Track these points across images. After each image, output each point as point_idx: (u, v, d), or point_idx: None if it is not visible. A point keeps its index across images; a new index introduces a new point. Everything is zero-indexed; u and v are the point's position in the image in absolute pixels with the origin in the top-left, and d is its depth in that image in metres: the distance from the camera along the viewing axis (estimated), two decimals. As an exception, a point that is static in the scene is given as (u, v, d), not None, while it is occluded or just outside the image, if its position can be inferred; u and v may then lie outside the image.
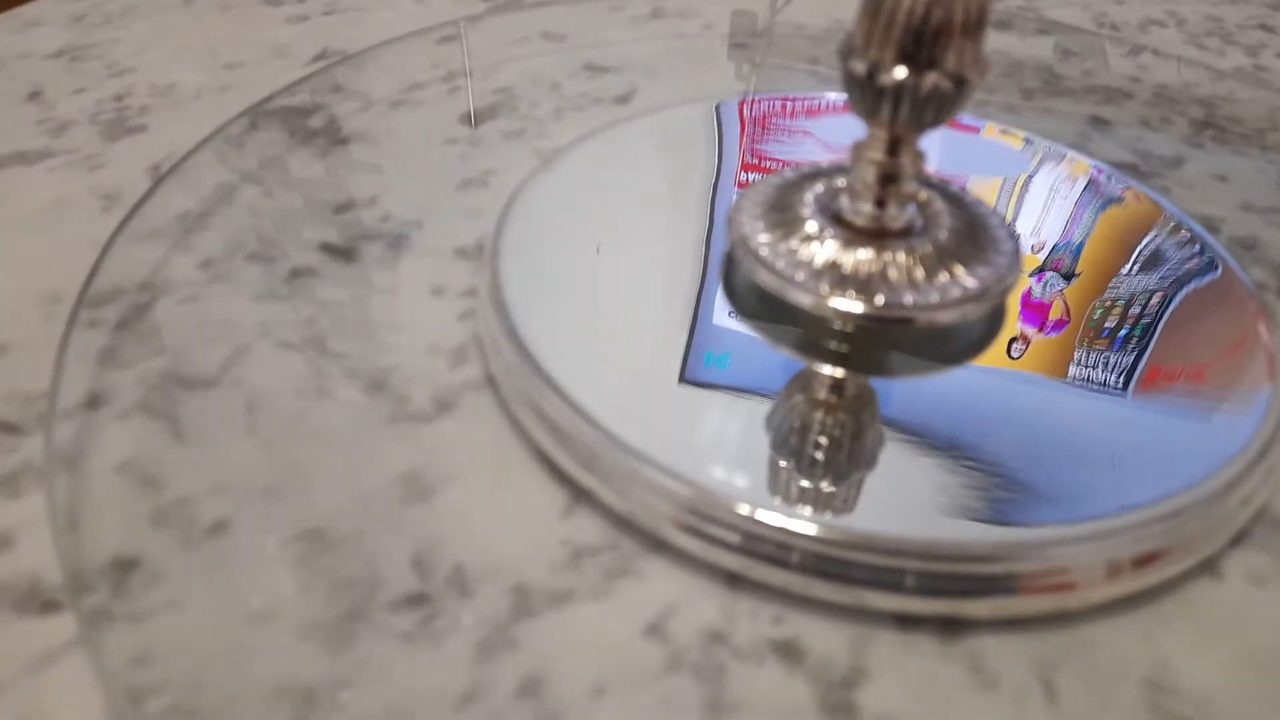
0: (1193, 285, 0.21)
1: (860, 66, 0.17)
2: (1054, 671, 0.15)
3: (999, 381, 0.19)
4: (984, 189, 0.23)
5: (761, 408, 0.18)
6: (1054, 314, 0.20)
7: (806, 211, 0.19)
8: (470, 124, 0.27)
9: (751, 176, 0.24)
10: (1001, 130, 0.26)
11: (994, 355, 0.19)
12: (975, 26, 0.16)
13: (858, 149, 0.19)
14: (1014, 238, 0.20)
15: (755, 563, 0.16)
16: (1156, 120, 0.30)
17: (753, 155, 0.25)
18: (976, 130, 0.26)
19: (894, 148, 0.18)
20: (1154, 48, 0.34)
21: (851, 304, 0.18)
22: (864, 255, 0.18)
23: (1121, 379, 0.19)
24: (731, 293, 0.20)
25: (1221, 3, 0.39)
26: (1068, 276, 0.21)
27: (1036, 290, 0.21)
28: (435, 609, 0.15)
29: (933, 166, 0.19)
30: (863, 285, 0.18)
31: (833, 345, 0.19)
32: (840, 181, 0.20)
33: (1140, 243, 0.22)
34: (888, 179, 0.18)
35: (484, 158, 0.26)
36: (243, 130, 0.26)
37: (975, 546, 0.15)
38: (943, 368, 0.19)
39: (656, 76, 0.30)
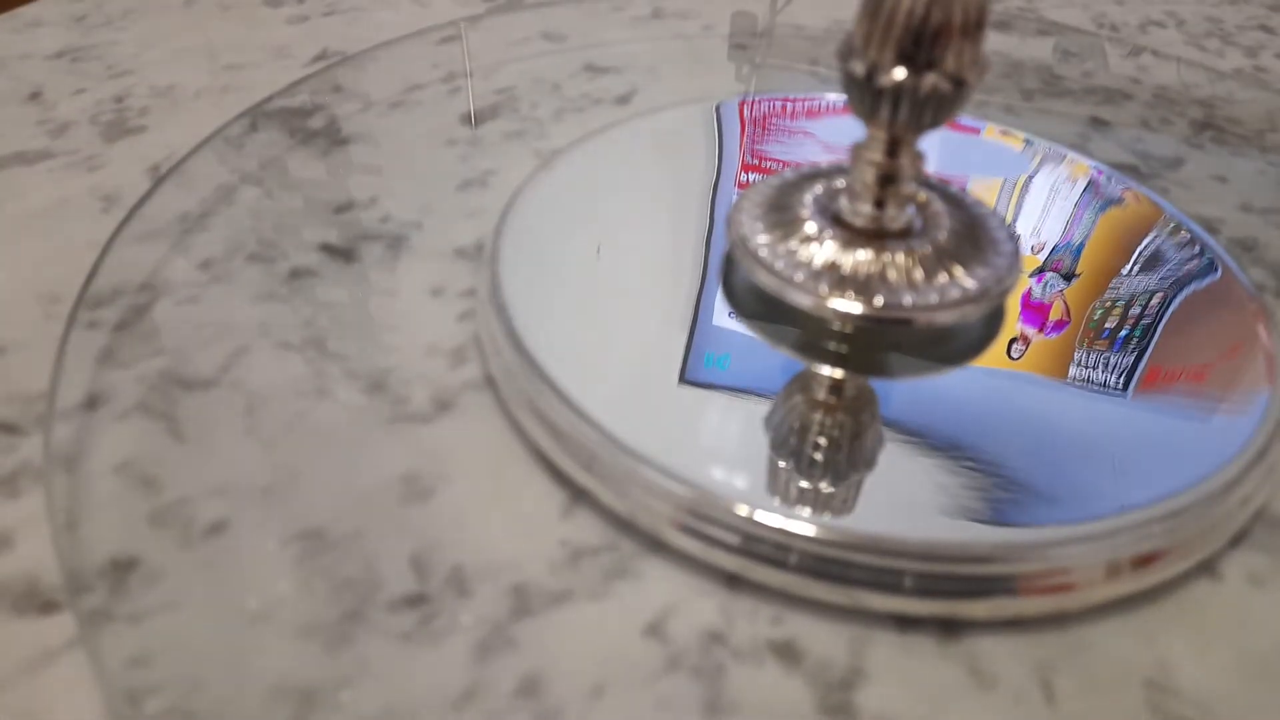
0: (1192, 286, 0.21)
1: (859, 67, 0.17)
2: (1053, 672, 0.15)
3: (999, 382, 0.19)
4: (984, 190, 0.23)
5: (761, 408, 0.18)
6: (1054, 315, 0.20)
7: (806, 212, 0.19)
8: (470, 124, 0.27)
9: (751, 177, 0.24)
10: (1001, 131, 0.26)
11: (994, 356, 0.19)
12: (974, 27, 0.16)
13: (857, 150, 0.19)
14: (1014, 239, 0.20)
15: (754, 563, 0.16)
16: (1156, 121, 0.30)
17: (753, 156, 0.25)
18: (976, 131, 0.26)
19: (893, 149, 0.18)
20: (1154, 49, 0.34)
21: (851, 305, 0.18)
22: (863, 256, 0.18)
23: (1121, 380, 0.19)
24: (731, 293, 0.20)
25: (1221, 3, 0.39)
26: (1068, 277, 0.21)
27: (1036, 291, 0.21)
28: (434, 609, 0.15)
29: (933, 167, 0.19)
30: (862, 286, 0.18)
31: (832, 346, 0.19)
32: (840, 182, 0.20)
33: (1140, 244, 0.22)
34: (887, 180, 0.18)
35: (484, 158, 0.26)
36: (242, 131, 0.26)
37: (974, 547, 0.15)
38: (942, 368, 0.19)
39: (656, 77, 0.30)
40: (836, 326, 0.19)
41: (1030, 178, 0.24)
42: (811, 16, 0.35)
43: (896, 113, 0.17)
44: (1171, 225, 0.23)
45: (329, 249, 0.22)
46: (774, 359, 0.19)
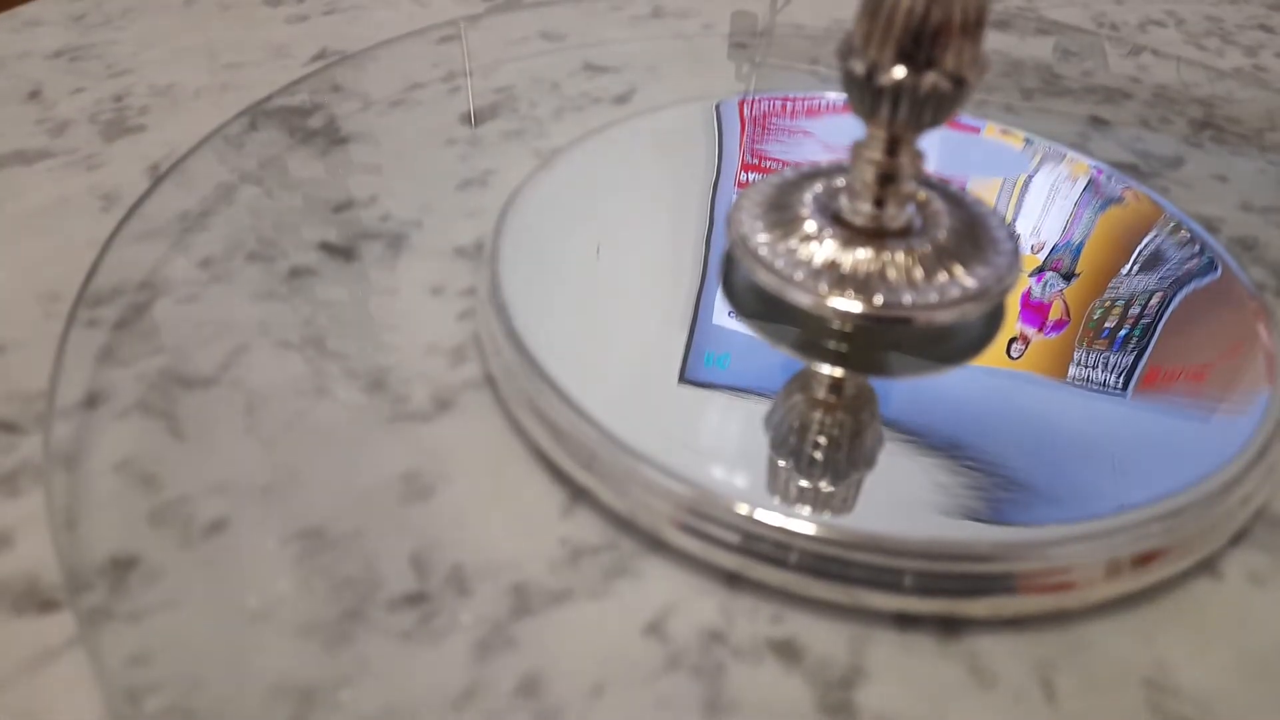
0: (1192, 285, 0.21)
1: (859, 66, 0.17)
2: (1053, 671, 0.15)
3: (998, 382, 0.19)
4: (984, 189, 0.23)
5: (761, 407, 0.18)
6: (1054, 314, 0.20)
7: (806, 211, 0.19)
8: (470, 124, 0.27)
9: (751, 176, 0.24)
10: (1001, 130, 0.26)
11: (994, 355, 0.19)
12: (974, 26, 0.16)
13: (857, 149, 0.19)
14: (1013, 238, 0.20)
15: (754, 562, 0.16)
16: (1156, 120, 0.30)
17: (752, 155, 0.25)
18: (976, 130, 0.26)
19: (893, 147, 0.18)
20: (1153, 48, 0.34)
21: (850, 303, 0.18)
22: (863, 255, 0.18)
23: (1121, 379, 0.19)
24: (731, 292, 0.20)
25: (1221, 3, 0.39)
26: (1067, 277, 0.21)
27: (1036, 290, 0.21)
28: (434, 608, 0.15)
29: (932, 166, 0.19)
30: (862, 285, 0.18)
31: (832, 345, 0.19)
32: (839, 181, 0.20)
33: (1140, 243, 0.22)
34: (886, 179, 0.18)
35: (484, 158, 0.26)
36: (242, 130, 0.26)
37: (974, 546, 0.15)
38: (942, 368, 0.19)
39: (656, 76, 0.30)
40: (836, 325, 0.19)
41: (1030, 177, 0.24)
42: (811, 16, 0.35)
43: (896, 112, 0.17)
44: (1171, 224, 0.23)
45: (328, 248, 0.22)
46: (774, 358, 0.19)
